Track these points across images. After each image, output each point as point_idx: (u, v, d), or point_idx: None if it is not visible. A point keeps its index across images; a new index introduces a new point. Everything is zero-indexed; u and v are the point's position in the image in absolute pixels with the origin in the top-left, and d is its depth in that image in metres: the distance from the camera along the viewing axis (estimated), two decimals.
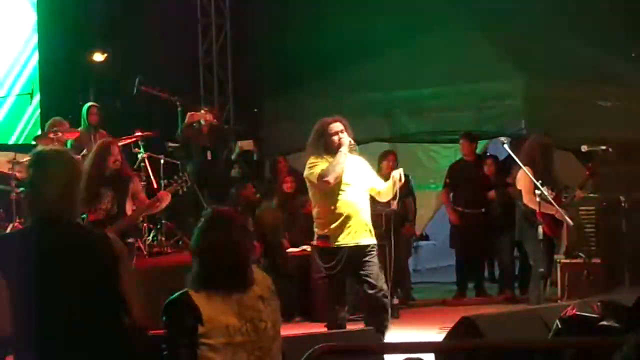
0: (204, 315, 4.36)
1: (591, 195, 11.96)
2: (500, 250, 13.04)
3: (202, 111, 13.30)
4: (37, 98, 13.97)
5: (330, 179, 8.12)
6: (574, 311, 5.93)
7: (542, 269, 9.91)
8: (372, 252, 8.33)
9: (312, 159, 8.35)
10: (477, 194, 12.88)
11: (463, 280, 13.13)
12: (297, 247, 12.27)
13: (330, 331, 9.40)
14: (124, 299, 4.27)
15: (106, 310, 4.23)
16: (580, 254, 11.90)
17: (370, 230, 8.34)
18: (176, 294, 4.47)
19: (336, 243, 8.20)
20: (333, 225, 8.21)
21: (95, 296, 4.22)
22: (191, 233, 4.75)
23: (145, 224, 12.00)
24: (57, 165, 4.33)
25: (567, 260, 11.89)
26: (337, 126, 8.29)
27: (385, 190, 8.39)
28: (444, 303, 12.77)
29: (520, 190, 10.19)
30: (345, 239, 8.20)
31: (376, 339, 7.18)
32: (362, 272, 8.23)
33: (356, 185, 8.29)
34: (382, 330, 8.11)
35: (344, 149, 8.19)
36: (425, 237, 16.85)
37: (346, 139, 8.23)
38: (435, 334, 9.59)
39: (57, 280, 4.16)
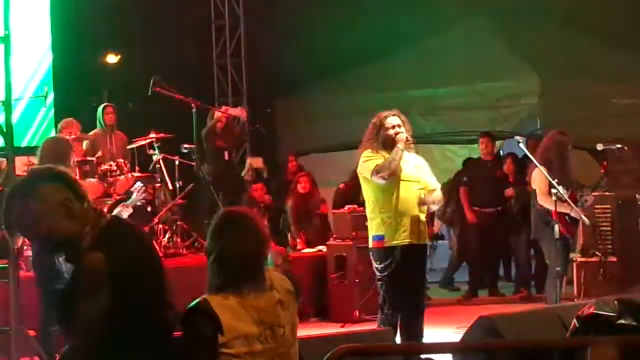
0: (223, 325, 4.31)
1: (607, 193, 11.94)
2: (516, 249, 13.03)
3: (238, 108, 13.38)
4: (51, 100, 13.98)
5: (385, 175, 7.85)
6: (591, 310, 5.89)
7: (558, 268, 9.88)
8: (425, 253, 8.19)
9: (366, 153, 8.06)
10: (493, 192, 12.86)
11: (475, 280, 13.12)
12: (313, 247, 12.27)
13: (347, 330, 9.40)
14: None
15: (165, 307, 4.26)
16: (597, 252, 11.86)
17: (425, 230, 8.08)
18: (195, 302, 4.41)
19: (392, 242, 7.91)
20: (388, 224, 7.92)
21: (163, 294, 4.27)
22: (207, 234, 4.71)
23: (161, 226, 12.00)
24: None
25: (583, 259, 11.86)
26: (394, 120, 8.06)
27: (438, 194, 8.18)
28: (460, 302, 12.75)
29: (535, 190, 10.16)
30: (401, 238, 7.91)
31: (393, 339, 7.14)
32: (414, 273, 8.01)
33: (412, 182, 8.01)
34: (415, 330, 7.98)
35: (400, 145, 7.92)
36: (441, 237, 16.83)
37: (403, 134, 7.98)
38: (452, 334, 9.57)
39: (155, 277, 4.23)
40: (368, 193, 8.15)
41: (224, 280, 4.42)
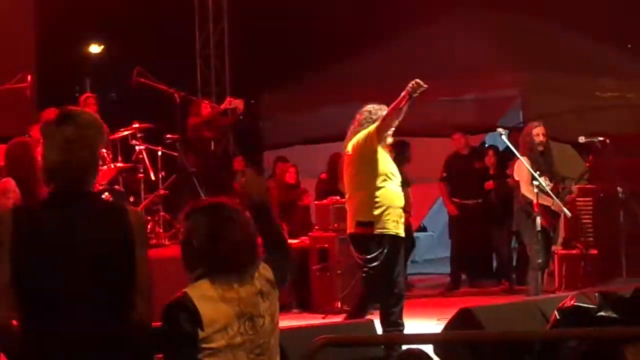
0: (204, 320, 4.26)
1: (588, 186, 11.98)
2: (498, 241, 13.06)
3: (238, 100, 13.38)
4: (33, 89, 13.89)
5: (395, 118, 7.91)
6: (572, 302, 5.92)
7: (539, 260, 9.91)
8: (402, 245, 8.24)
9: (363, 133, 8.05)
10: (473, 185, 12.93)
11: (457, 272, 13.16)
12: (295, 238, 12.26)
13: (328, 322, 9.40)
14: (133, 287, 3.98)
15: (112, 296, 3.94)
16: (578, 245, 11.91)
17: (403, 224, 8.20)
18: (176, 297, 4.31)
19: (379, 230, 7.92)
20: (378, 211, 7.92)
21: (103, 280, 3.90)
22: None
23: None
24: (89, 126, 3.91)
25: (565, 251, 11.91)
26: (385, 107, 8.06)
27: None
28: (442, 294, 12.79)
29: (518, 181, 10.20)
30: (388, 227, 7.93)
31: (374, 330, 7.14)
32: (398, 263, 8.07)
33: (398, 178, 8.15)
34: (395, 318, 7.99)
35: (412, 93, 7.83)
36: (423, 229, 16.89)
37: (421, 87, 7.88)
38: (434, 325, 9.58)
39: (68, 259, 3.86)
40: (363, 178, 8.08)
41: (210, 269, 4.38)
